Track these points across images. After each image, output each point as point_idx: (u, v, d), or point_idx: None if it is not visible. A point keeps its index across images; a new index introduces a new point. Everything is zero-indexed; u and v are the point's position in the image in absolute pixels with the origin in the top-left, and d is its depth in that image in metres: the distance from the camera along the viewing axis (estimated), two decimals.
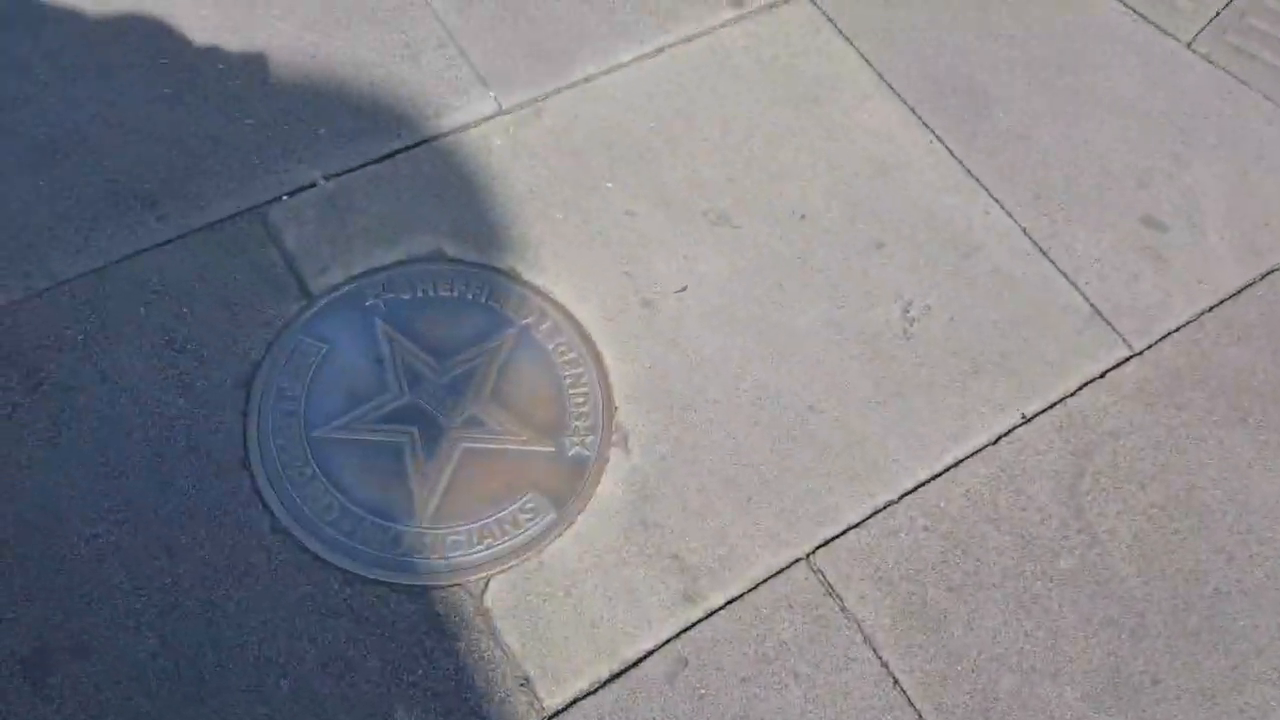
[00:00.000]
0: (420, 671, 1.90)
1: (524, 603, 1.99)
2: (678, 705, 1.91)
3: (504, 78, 2.71)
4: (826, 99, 2.79)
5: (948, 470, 2.22)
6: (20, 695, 1.80)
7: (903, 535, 2.13)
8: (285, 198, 2.44)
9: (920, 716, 1.94)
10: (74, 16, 2.64)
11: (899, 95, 2.81)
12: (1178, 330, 2.49)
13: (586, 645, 1.96)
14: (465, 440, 2.17)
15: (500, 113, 2.66)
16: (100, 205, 2.37)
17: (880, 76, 2.84)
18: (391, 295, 2.34)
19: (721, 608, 2.02)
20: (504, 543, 2.07)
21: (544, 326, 2.35)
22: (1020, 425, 2.31)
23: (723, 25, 2.88)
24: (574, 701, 1.90)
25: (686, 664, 1.95)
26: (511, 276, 2.41)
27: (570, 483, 2.15)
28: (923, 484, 2.20)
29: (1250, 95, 2.89)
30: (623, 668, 1.94)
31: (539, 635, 1.96)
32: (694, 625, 1.99)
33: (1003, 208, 2.65)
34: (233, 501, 2.03)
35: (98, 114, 2.51)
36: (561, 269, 2.43)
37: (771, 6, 2.95)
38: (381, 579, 1.99)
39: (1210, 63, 2.95)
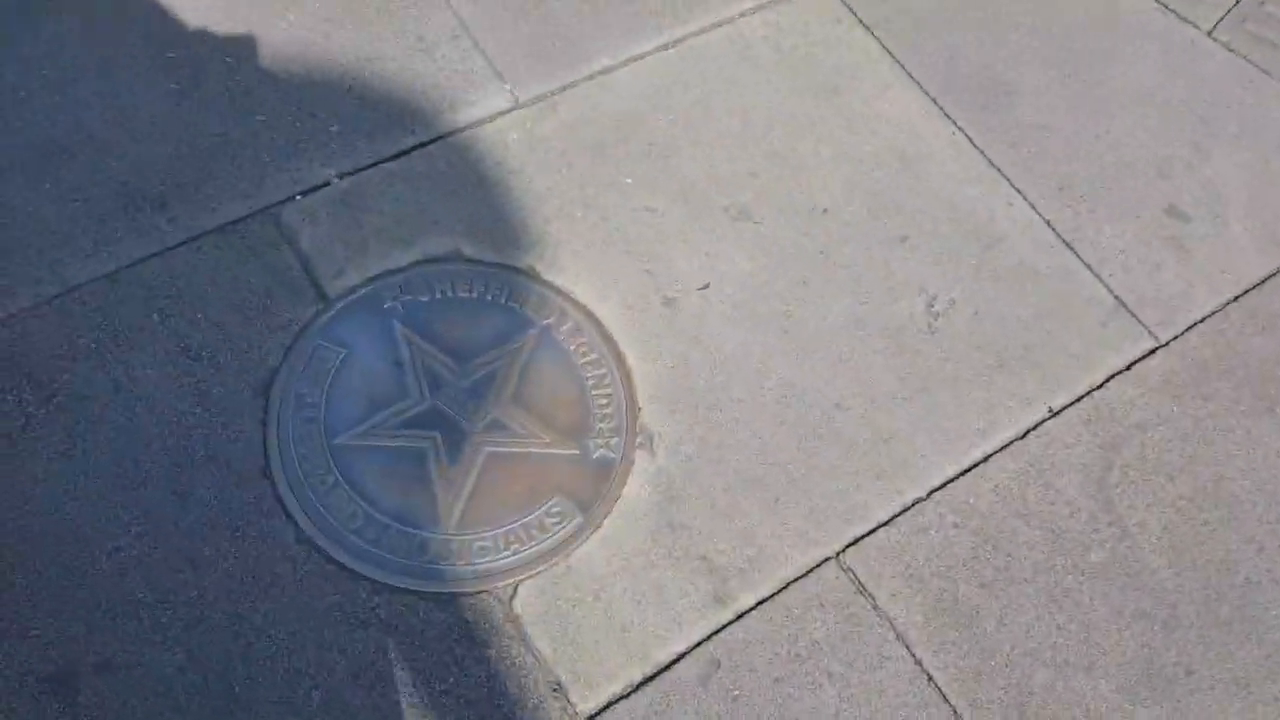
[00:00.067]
0: (452, 680, 1.87)
1: (553, 608, 1.97)
2: (711, 707, 1.89)
3: (519, 71, 2.67)
4: (847, 89, 2.75)
5: (976, 466, 2.20)
6: (48, 713, 1.77)
7: (932, 532, 2.11)
8: (298, 197, 2.40)
9: (955, 713, 1.92)
10: (75, 11, 2.58)
11: (920, 85, 2.77)
12: (1202, 321, 2.47)
13: (618, 649, 1.94)
14: (488, 444, 2.14)
15: (516, 106, 2.61)
16: (109, 208, 2.33)
17: (901, 66, 2.80)
18: (409, 297, 2.30)
19: (752, 608, 2.00)
20: (531, 548, 2.04)
21: (565, 327, 2.31)
22: (1047, 419, 2.28)
23: (742, 15, 2.83)
24: (607, 706, 1.88)
25: (719, 666, 1.93)
26: (531, 276, 2.38)
27: (596, 486, 2.13)
28: (951, 480, 2.18)
29: (1271, 84, 2.86)
30: (655, 671, 1.92)
31: (570, 640, 1.94)
32: (725, 627, 1.97)
33: (1025, 199, 2.62)
34: (255, 512, 2.00)
35: (103, 112, 2.46)
36: (581, 268, 2.40)
37: None
38: (409, 587, 1.97)
39: (1231, 51, 2.91)
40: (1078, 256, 2.54)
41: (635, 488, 2.12)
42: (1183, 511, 2.18)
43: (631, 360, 2.29)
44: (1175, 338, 2.44)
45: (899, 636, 1.98)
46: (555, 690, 1.88)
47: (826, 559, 2.06)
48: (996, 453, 2.22)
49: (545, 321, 2.31)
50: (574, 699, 1.88)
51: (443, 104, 2.59)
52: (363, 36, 2.65)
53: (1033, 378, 2.34)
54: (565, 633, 1.94)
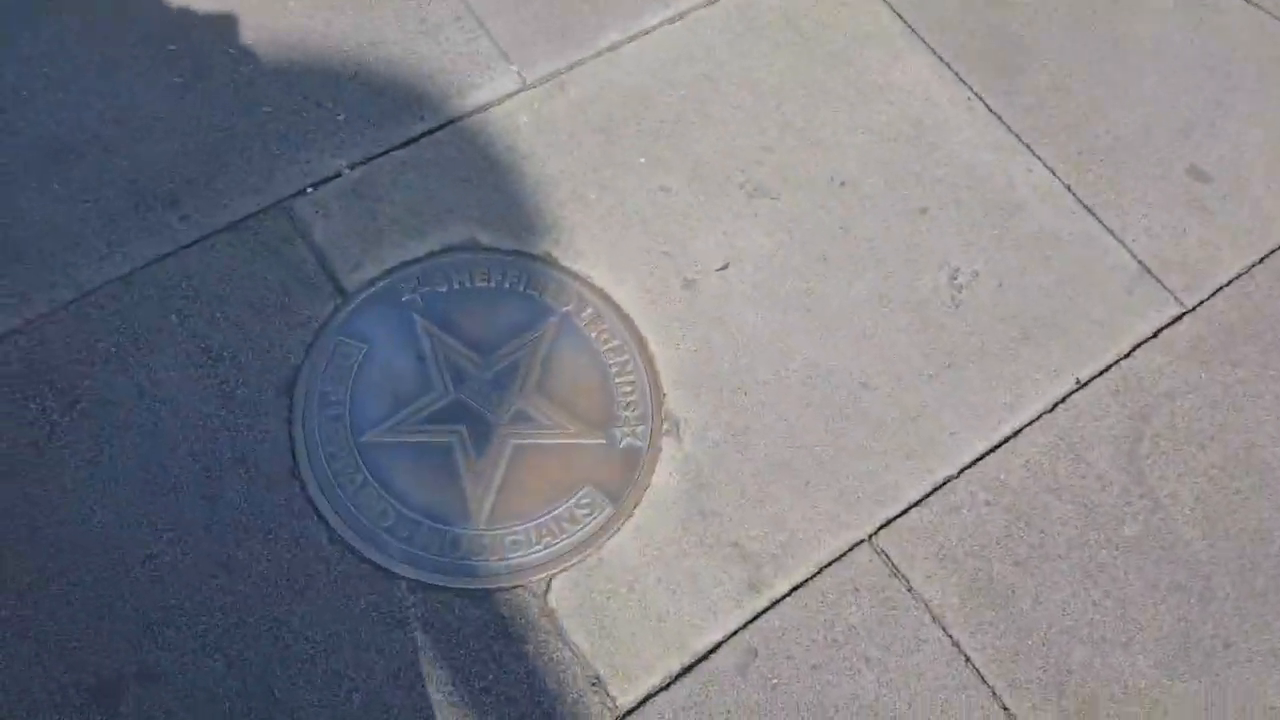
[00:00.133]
0: (491, 677, 1.88)
1: (588, 601, 1.97)
2: (751, 696, 1.90)
3: (526, 50, 2.62)
4: (859, 58, 2.70)
5: (1005, 441, 2.19)
6: None
7: (965, 511, 2.10)
8: (310, 190, 2.36)
9: (994, 693, 1.93)
10: (74, 9, 2.53)
11: (933, 50, 2.72)
12: (1228, 284, 2.45)
13: (654, 641, 1.94)
14: (515, 436, 2.13)
15: (524, 88, 2.56)
16: (119, 208, 2.29)
17: (913, 31, 2.75)
18: (428, 288, 2.27)
19: (787, 595, 1.99)
20: (563, 540, 2.04)
21: (585, 313, 2.29)
22: (1075, 391, 2.27)
23: None
24: (647, 698, 1.89)
25: (756, 654, 1.93)
26: (548, 262, 2.35)
27: (624, 475, 2.12)
28: (981, 457, 2.17)
29: None
30: (693, 661, 1.92)
31: (606, 633, 1.94)
32: (761, 614, 1.97)
33: (1044, 164, 2.58)
34: (286, 513, 1.99)
35: (107, 110, 2.42)
36: (598, 252, 2.37)
37: None
38: (444, 584, 1.97)
39: (1248, 2, 2.85)
40: (1100, 222, 2.51)
41: (664, 476, 2.12)
42: (1215, 481, 2.17)
43: (653, 345, 2.27)
44: (1201, 303, 2.41)
45: (935, 618, 1.98)
46: (594, 684, 1.89)
47: (859, 542, 2.05)
48: (1026, 427, 2.21)
49: (565, 308, 2.29)
50: (613, 692, 1.89)
51: (450, 88, 2.54)
52: (365, 21, 2.60)
53: (1059, 349, 2.32)
54: (601, 626, 1.94)
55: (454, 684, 1.86)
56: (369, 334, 2.20)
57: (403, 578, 1.96)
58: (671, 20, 2.71)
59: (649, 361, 2.25)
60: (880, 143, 2.57)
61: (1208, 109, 2.70)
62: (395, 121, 2.47)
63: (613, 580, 2.00)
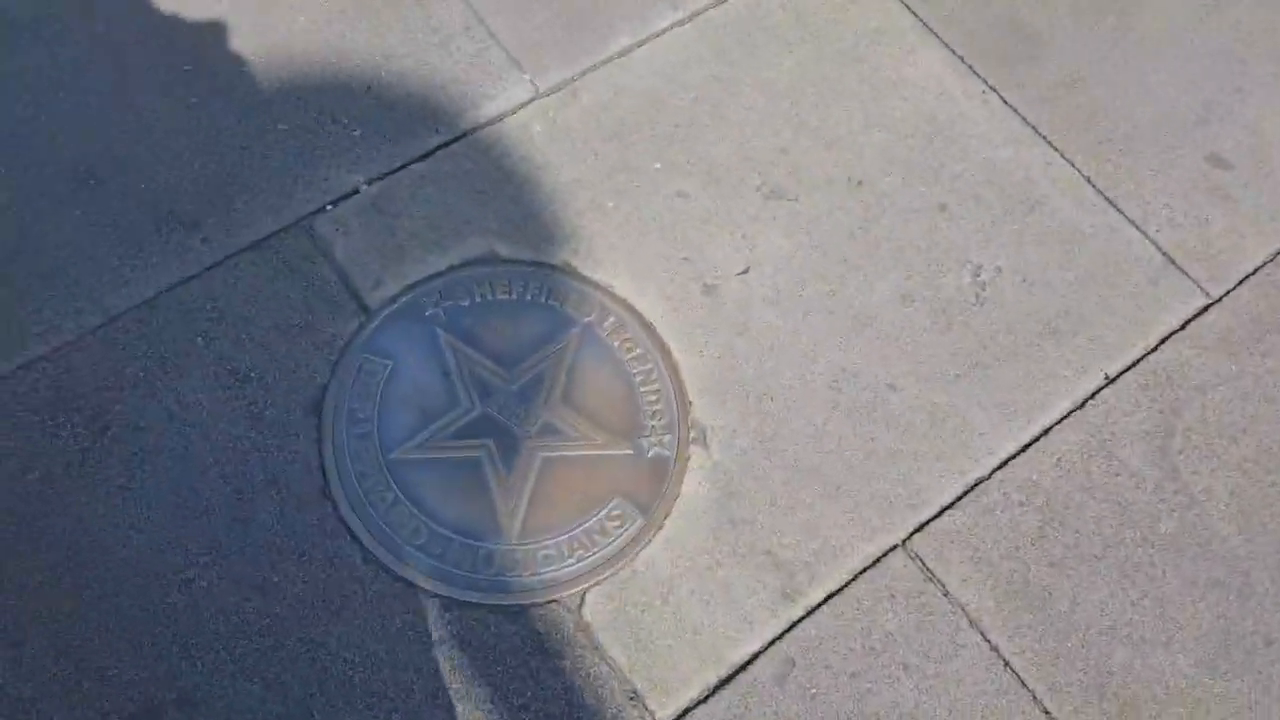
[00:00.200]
0: (529, 694, 1.88)
1: (623, 614, 1.97)
2: (790, 707, 1.90)
3: (537, 58, 2.61)
4: (871, 54, 2.68)
5: (1036, 440, 2.18)
6: None
7: (998, 512, 2.09)
8: (329, 207, 2.36)
9: (1035, 697, 1.92)
10: (85, 32, 2.52)
11: (946, 44, 2.70)
12: (1254, 273, 2.43)
13: (691, 653, 1.94)
14: (542, 449, 2.13)
15: (537, 96, 2.55)
16: (141, 231, 2.29)
17: (925, 25, 2.73)
18: (450, 303, 2.27)
19: (822, 603, 1.99)
20: (595, 553, 2.03)
21: (607, 323, 2.28)
22: (1104, 387, 2.26)
23: None
24: (686, 712, 1.89)
25: (794, 664, 1.93)
26: (568, 272, 2.34)
27: (653, 485, 2.11)
28: (1012, 457, 2.16)
29: None
30: (730, 673, 1.92)
31: (642, 646, 1.94)
32: (796, 624, 1.97)
33: (1063, 157, 2.56)
34: (319, 533, 1.99)
35: (125, 132, 2.41)
36: (618, 260, 2.36)
37: None
38: (478, 601, 1.97)
39: None
40: (1121, 213, 2.49)
41: (693, 485, 2.11)
42: (1249, 474, 2.16)
43: (676, 353, 2.26)
44: (1227, 293, 2.40)
45: (973, 623, 1.98)
46: (632, 698, 1.89)
47: (893, 547, 2.05)
48: (1056, 425, 2.20)
49: (587, 319, 2.28)
50: (652, 706, 1.89)
51: (463, 99, 2.53)
52: (376, 35, 2.59)
53: (1086, 344, 2.31)
54: (637, 639, 1.94)
55: (492, 702, 1.87)
56: (393, 350, 2.20)
57: (437, 595, 1.96)
58: (681, 22, 2.70)
59: (673, 369, 2.25)
60: (896, 140, 2.56)
61: (1224, 95, 2.67)
62: (410, 135, 2.47)
63: (646, 593, 1.99)
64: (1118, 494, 2.12)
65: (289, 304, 2.23)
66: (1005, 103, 2.63)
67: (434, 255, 2.33)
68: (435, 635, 1.92)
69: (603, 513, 2.07)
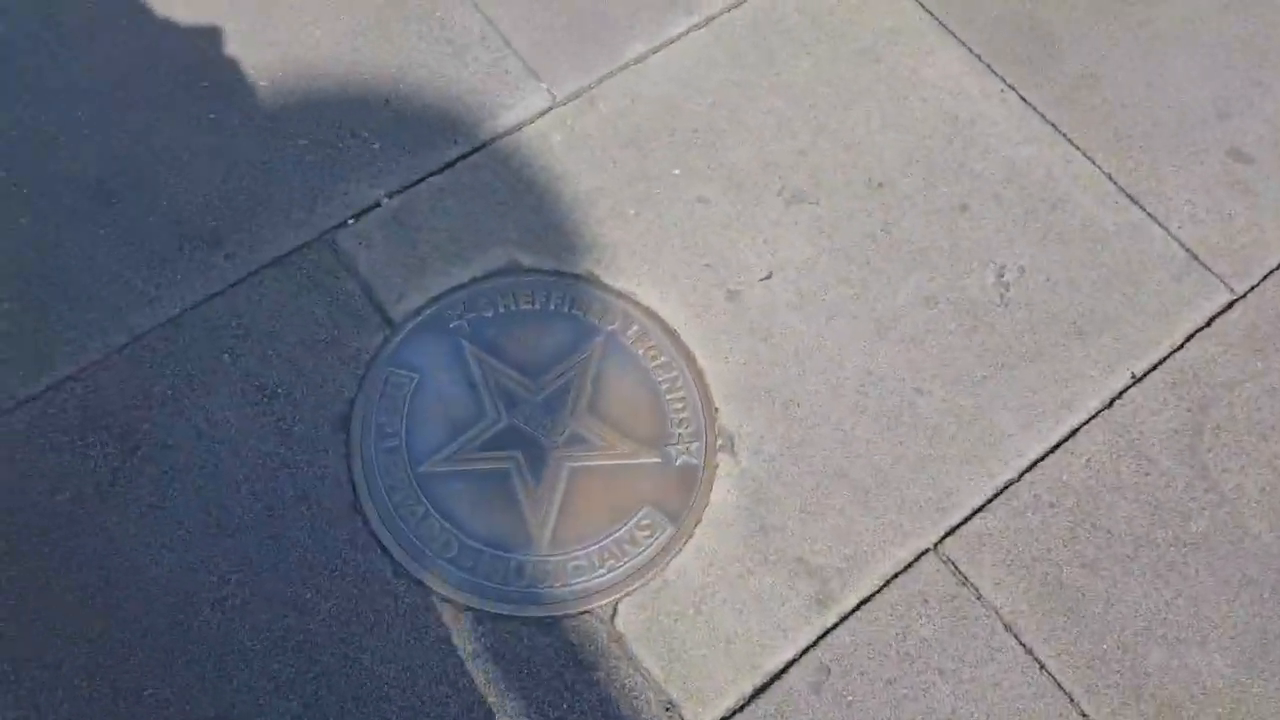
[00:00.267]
0: (565, 706, 1.88)
1: (656, 624, 1.97)
2: (827, 715, 1.89)
3: (553, 66, 2.60)
4: (888, 54, 2.68)
5: (1064, 441, 2.17)
6: None
7: (1029, 515, 2.09)
8: (351, 221, 2.36)
9: (1072, 700, 1.92)
10: (103, 49, 2.53)
11: (963, 43, 2.69)
12: (1278, 268, 2.42)
13: (725, 662, 1.94)
14: (570, 459, 2.13)
15: (555, 105, 2.55)
16: (165, 249, 2.30)
17: (941, 24, 2.72)
18: (474, 314, 2.27)
19: (856, 609, 1.99)
20: (626, 563, 2.03)
21: (631, 331, 2.28)
22: (1131, 386, 2.25)
23: None
24: None
25: (829, 672, 1.93)
26: (591, 281, 2.34)
27: (682, 494, 2.11)
28: (1041, 458, 2.15)
29: None
30: (766, 681, 1.92)
31: (677, 656, 1.94)
32: (830, 630, 1.96)
33: (1084, 154, 2.55)
34: (350, 548, 1.99)
35: (144, 150, 2.42)
36: (640, 268, 2.36)
37: None
38: (510, 613, 1.97)
39: None
40: (1144, 210, 2.48)
41: (722, 493, 2.11)
42: (1279, 471, 2.15)
43: (702, 360, 2.26)
44: (1252, 289, 2.39)
45: (1007, 627, 1.97)
46: (668, 709, 1.89)
47: (925, 551, 2.04)
48: (1084, 425, 2.19)
49: (610, 327, 2.28)
50: (688, 717, 1.88)
51: (481, 110, 2.53)
52: (392, 47, 2.59)
53: (1112, 343, 2.30)
54: (671, 649, 1.94)
55: (528, 715, 1.87)
56: (419, 363, 2.20)
57: (469, 608, 1.96)
58: (696, 27, 2.69)
59: (698, 376, 2.24)
60: (915, 140, 2.55)
61: (1244, 89, 2.66)
62: (430, 147, 2.47)
63: (679, 602, 1.99)
64: (1148, 493, 2.12)
65: (314, 319, 2.24)
66: (1024, 101, 2.62)
67: (456, 267, 2.33)
68: (469, 648, 1.92)
69: (632, 522, 2.07)
